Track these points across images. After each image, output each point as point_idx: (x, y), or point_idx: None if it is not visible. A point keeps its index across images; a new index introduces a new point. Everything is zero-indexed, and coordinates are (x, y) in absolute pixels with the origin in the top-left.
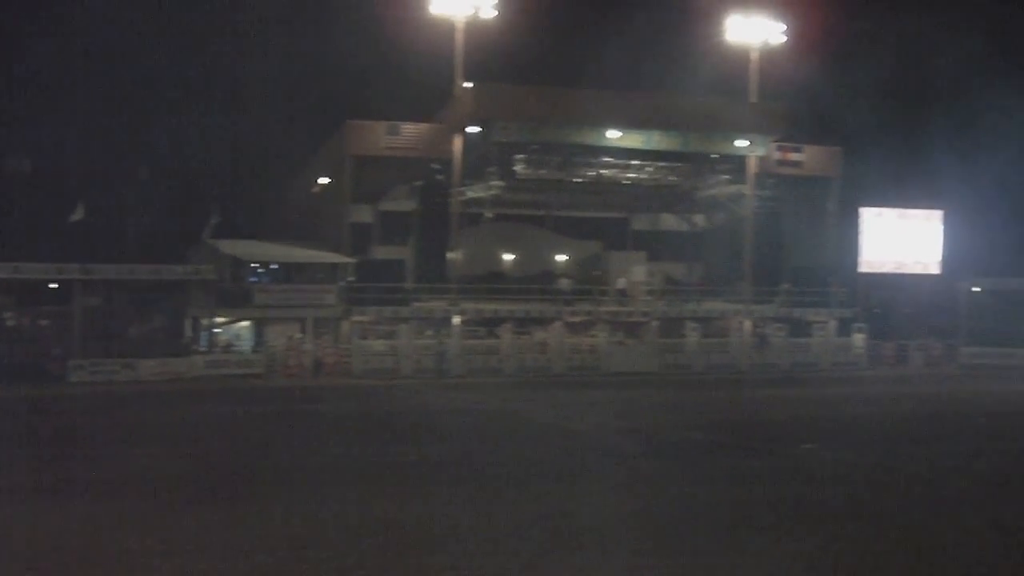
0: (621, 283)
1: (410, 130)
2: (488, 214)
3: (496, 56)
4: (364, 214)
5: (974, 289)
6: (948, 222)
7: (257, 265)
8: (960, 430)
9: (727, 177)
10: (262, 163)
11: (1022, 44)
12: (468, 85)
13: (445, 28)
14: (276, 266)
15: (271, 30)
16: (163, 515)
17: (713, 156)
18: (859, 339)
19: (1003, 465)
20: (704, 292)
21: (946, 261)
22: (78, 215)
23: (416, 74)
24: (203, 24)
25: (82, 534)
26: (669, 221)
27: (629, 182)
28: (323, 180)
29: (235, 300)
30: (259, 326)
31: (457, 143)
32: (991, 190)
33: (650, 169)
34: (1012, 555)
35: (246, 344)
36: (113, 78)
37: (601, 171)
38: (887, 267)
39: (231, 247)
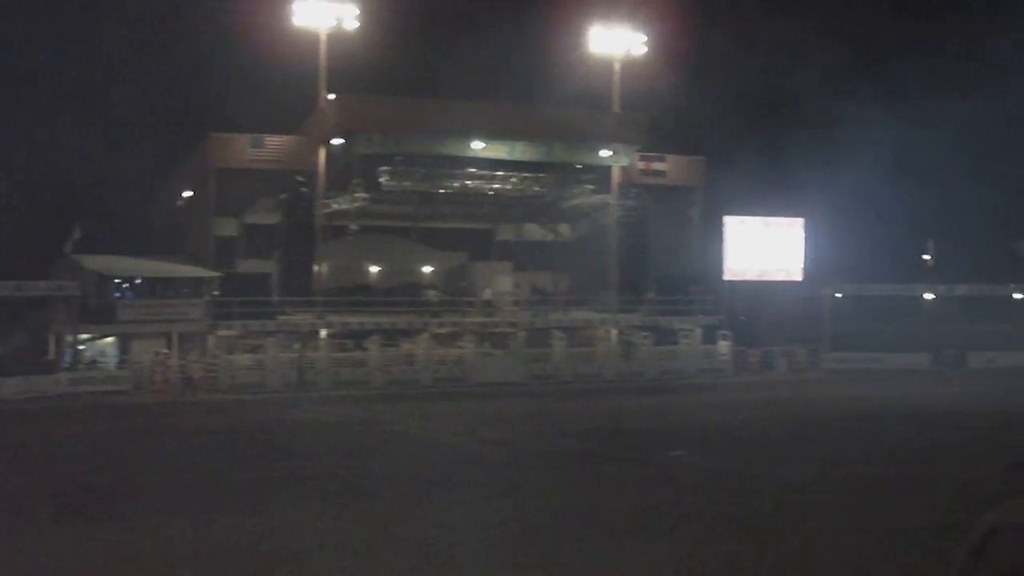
0: (487, 294)
1: (274, 142)
2: (353, 226)
3: (360, 68)
4: (229, 227)
5: (836, 295)
6: (809, 230)
7: (121, 280)
8: (825, 435)
9: (591, 187)
10: (126, 177)
11: (878, 55)
12: (331, 97)
13: (309, 40)
14: (140, 281)
15: (135, 42)
16: (24, 536)
17: (577, 166)
18: (724, 346)
19: (866, 469)
20: (570, 302)
21: (808, 268)
22: None
23: (280, 86)
24: (65, 35)
25: None
26: (534, 231)
27: (494, 193)
28: (187, 193)
29: (99, 316)
30: (124, 342)
31: (321, 155)
32: (850, 198)
33: (514, 179)
34: (875, 558)
35: (111, 360)
36: None
37: (466, 182)
38: (751, 274)
39: (94, 262)
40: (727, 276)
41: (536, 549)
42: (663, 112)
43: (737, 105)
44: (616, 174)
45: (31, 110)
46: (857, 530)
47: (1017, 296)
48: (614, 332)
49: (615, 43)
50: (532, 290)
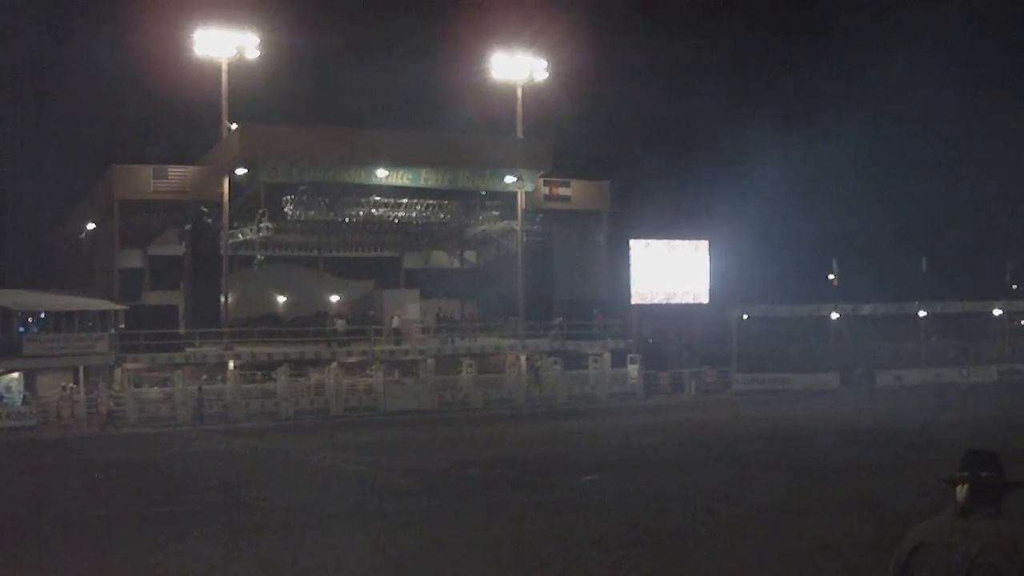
0: (395, 322)
1: (177, 173)
2: (260, 256)
3: (262, 97)
4: (134, 259)
5: (743, 316)
6: (715, 252)
7: (26, 314)
8: (736, 456)
9: (496, 213)
10: (28, 210)
11: (780, 77)
12: (234, 126)
13: (210, 70)
14: (45, 315)
15: (36, 72)
16: None
17: (482, 192)
18: (634, 370)
19: (778, 489)
20: (478, 328)
21: (715, 290)
22: None
23: (183, 116)
24: None
25: None
26: (441, 258)
27: (399, 220)
28: (91, 226)
29: (4, 351)
30: (30, 377)
31: (225, 185)
32: (755, 219)
33: (420, 207)
34: None
35: (17, 396)
36: None
37: (371, 210)
38: (658, 297)
39: None
40: (635, 299)
41: None
42: (566, 137)
43: (640, 129)
44: (521, 199)
45: None
46: (769, 548)
47: (922, 314)
48: (523, 358)
49: (517, 69)
50: (440, 317)
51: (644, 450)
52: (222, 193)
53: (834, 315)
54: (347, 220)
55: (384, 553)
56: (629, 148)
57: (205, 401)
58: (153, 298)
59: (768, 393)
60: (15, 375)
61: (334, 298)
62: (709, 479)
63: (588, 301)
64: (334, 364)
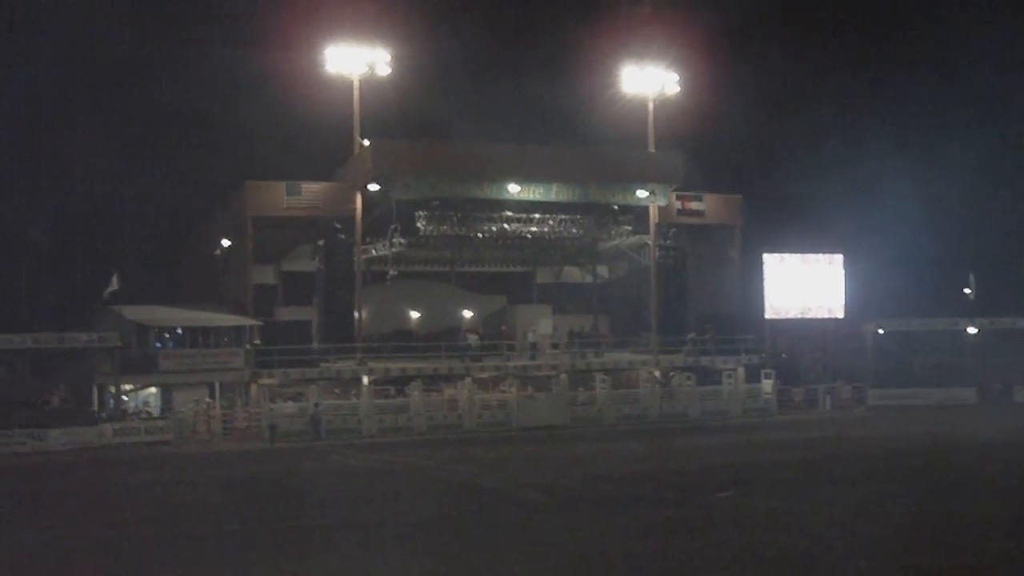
0: (531, 337)
1: (310, 189)
2: (392, 272)
3: (394, 113)
4: (267, 275)
5: (879, 331)
6: (849, 266)
7: (162, 330)
8: (872, 473)
9: (629, 228)
10: (163, 226)
11: (918, 88)
12: (366, 143)
13: (342, 86)
14: (181, 331)
15: (171, 91)
16: None
17: (614, 207)
18: (768, 385)
19: (915, 506)
20: (611, 344)
21: (849, 304)
22: None
23: (315, 133)
24: (103, 86)
25: None
26: (573, 273)
27: (532, 235)
28: (225, 242)
29: (141, 366)
30: (166, 392)
31: (358, 201)
32: (888, 233)
33: (552, 222)
34: None
35: (154, 411)
36: (9, 141)
37: (503, 225)
38: (792, 312)
39: (135, 312)
40: (769, 314)
41: None
42: (698, 151)
43: (773, 143)
44: (654, 214)
45: (67, 160)
46: (907, 568)
47: None
48: (656, 373)
49: (648, 83)
50: (572, 333)
51: (778, 466)
52: (355, 209)
53: (971, 329)
54: (479, 235)
55: (520, 569)
56: (762, 162)
57: (318, 418)
58: (286, 314)
59: (904, 409)
60: (152, 390)
61: (466, 313)
62: (845, 496)
63: (720, 316)
64: (467, 379)
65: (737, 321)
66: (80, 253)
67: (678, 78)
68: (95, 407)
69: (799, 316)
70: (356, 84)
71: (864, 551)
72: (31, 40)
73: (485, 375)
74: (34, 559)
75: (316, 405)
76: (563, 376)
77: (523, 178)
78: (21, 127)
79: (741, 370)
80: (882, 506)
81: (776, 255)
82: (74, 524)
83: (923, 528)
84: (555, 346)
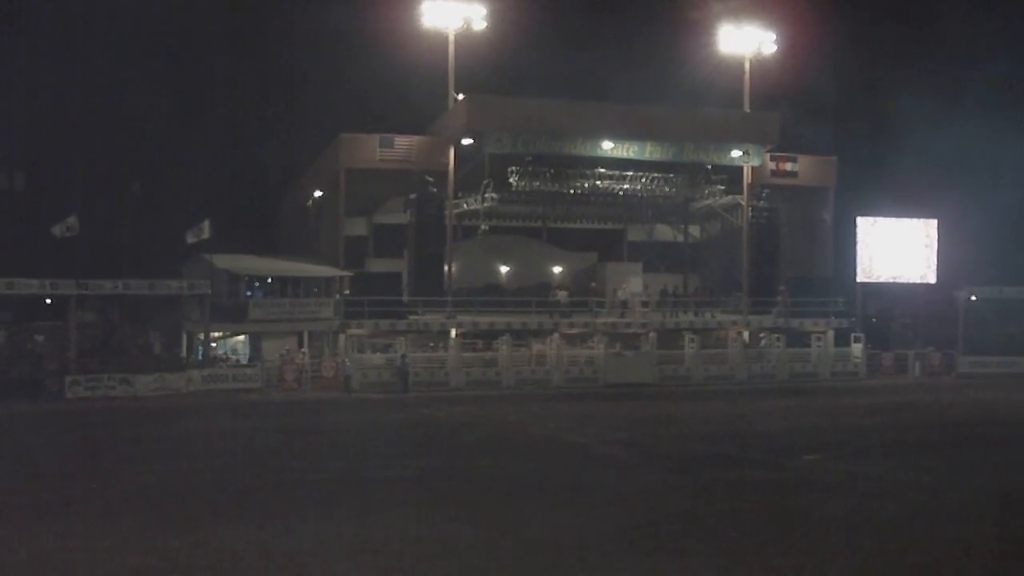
0: (622, 294)
1: (403, 143)
2: (483, 226)
3: (488, 68)
4: (359, 227)
5: (971, 297)
6: (943, 230)
7: (252, 279)
8: (962, 440)
9: (722, 187)
10: (256, 176)
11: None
12: (460, 97)
13: (437, 40)
14: (271, 280)
15: (264, 45)
16: (164, 533)
17: (708, 166)
18: (857, 349)
19: (1006, 475)
20: (701, 303)
21: (942, 270)
22: (71, 229)
23: (409, 87)
24: (197, 38)
25: (82, 553)
26: (664, 232)
27: (624, 193)
28: (317, 193)
29: (230, 314)
30: (255, 340)
31: (451, 155)
32: (985, 198)
33: (645, 180)
34: (1017, 566)
35: (242, 358)
36: (105, 91)
37: (596, 182)
38: (884, 276)
39: (226, 261)
40: (860, 277)
41: (669, 556)
42: (794, 111)
43: (869, 105)
44: (747, 174)
45: (165, 112)
46: (998, 537)
47: None
48: (745, 334)
49: (745, 42)
50: (664, 291)
51: (867, 431)
52: (447, 163)
53: None
54: (571, 192)
55: (606, 525)
56: (857, 123)
57: (408, 370)
58: (377, 266)
59: (994, 376)
60: (241, 338)
61: (556, 269)
62: (933, 462)
63: (812, 278)
64: (556, 335)
65: (828, 283)
66: (174, 202)
67: (775, 37)
68: (183, 353)
69: (891, 280)
70: (451, 38)
71: (956, 517)
72: None
73: (573, 331)
74: (126, 503)
75: (403, 357)
76: (652, 334)
77: (617, 135)
78: (118, 77)
79: (830, 333)
80: (972, 473)
81: (869, 218)
82: (166, 469)
83: (1015, 496)
84: (644, 304)
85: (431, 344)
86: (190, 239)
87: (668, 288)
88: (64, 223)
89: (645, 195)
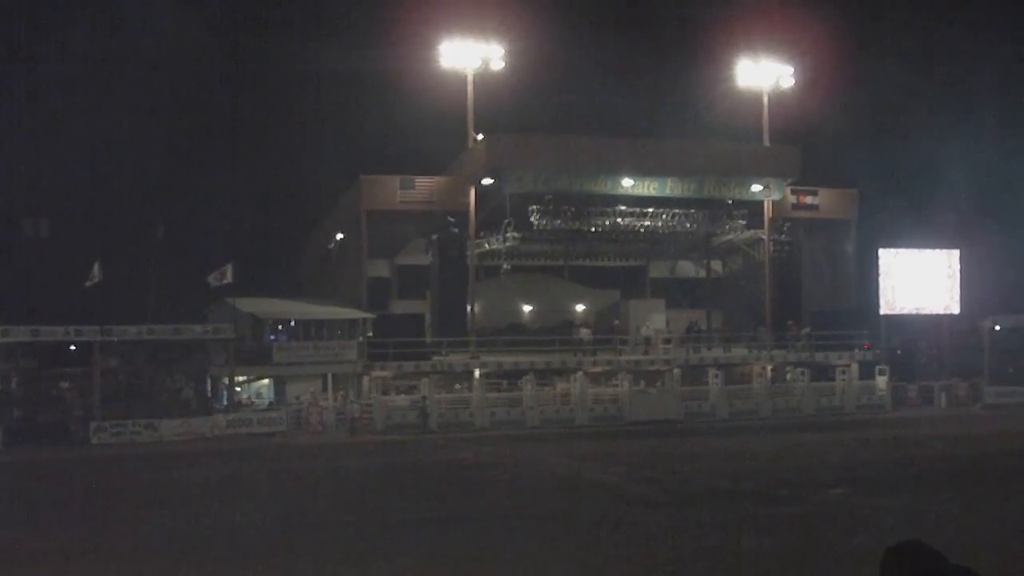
0: (645, 331)
1: (424, 183)
2: (505, 266)
3: (507, 108)
4: (381, 269)
5: (996, 328)
6: (965, 261)
7: (276, 322)
8: (990, 472)
9: (743, 222)
10: (278, 220)
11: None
12: (480, 137)
13: (456, 81)
14: (294, 323)
15: (285, 87)
16: None
17: (729, 201)
18: (883, 381)
19: None
20: (724, 339)
21: (966, 300)
22: (95, 278)
23: (429, 127)
24: (219, 82)
25: None
26: (687, 268)
27: (645, 230)
28: (339, 236)
29: (255, 358)
30: (279, 383)
31: (471, 195)
32: (1007, 228)
33: (665, 216)
34: None
35: (267, 402)
36: (127, 138)
37: (617, 219)
38: (908, 307)
39: (249, 305)
40: (883, 310)
41: None
42: (814, 145)
43: (889, 137)
44: (768, 208)
45: (187, 157)
46: None
47: None
48: (769, 369)
49: (763, 76)
50: (691, 328)
51: (894, 464)
52: (468, 203)
53: None
54: (593, 229)
55: (633, 564)
56: (878, 155)
57: (426, 411)
58: (400, 307)
59: (1022, 407)
60: (265, 381)
61: (579, 307)
62: (961, 494)
63: (835, 311)
64: (580, 373)
65: (852, 316)
66: (197, 246)
67: (793, 70)
68: (208, 398)
69: (914, 312)
70: (470, 79)
71: (985, 550)
72: (154, 38)
73: (597, 369)
74: (148, 550)
75: (423, 398)
76: (675, 370)
77: (637, 172)
78: (140, 123)
79: (855, 366)
80: (1001, 505)
81: (891, 250)
82: (193, 514)
83: None
84: (667, 341)
85: (457, 385)
86: (213, 283)
87: (695, 324)
88: (90, 275)
89: (666, 231)
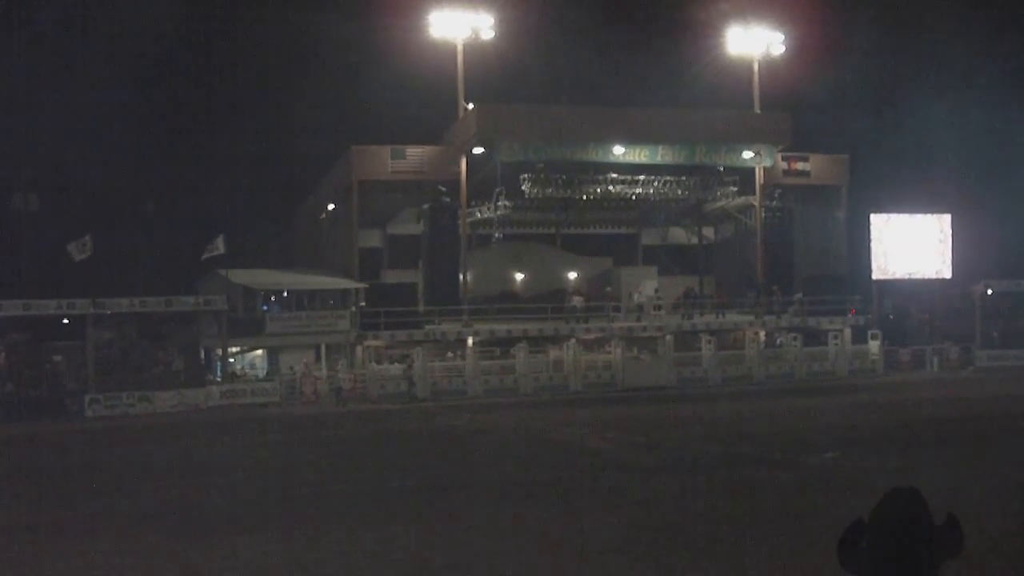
0: (638, 297)
1: (415, 153)
2: (497, 234)
3: (497, 77)
4: (373, 239)
5: (988, 291)
6: (957, 225)
7: (268, 293)
8: (982, 434)
9: (734, 189)
10: (269, 191)
11: (1005, 54)
12: (471, 106)
13: (446, 51)
14: (287, 294)
15: (275, 58)
16: (190, 547)
17: (720, 168)
18: (875, 346)
19: None
20: (716, 305)
21: (958, 264)
22: (86, 251)
23: (419, 97)
24: (207, 53)
25: (110, 569)
26: (678, 235)
27: (637, 197)
28: (330, 206)
29: (247, 329)
30: (273, 354)
31: (463, 165)
32: (998, 192)
33: (657, 183)
34: None
35: (260, 373)
36: (117, 110)
37: (608, 187)
38: (899, 272)
39: (241, 276)
40: (876, 275)
41: (688, 557)
42: (804, 111)
43: (879, 102)
44: (759, 175)
45: (177, 129)
46: (1019, 531)
47: None
48: (762, 334)
49: (753, 43)
50: (686, 294)
51: (886, 427)
52: (459, 172)
53: None
54: (584, 197)
55: (628, 529)
56: (868, 121)
57: (412, 380)
58: (392, 277)
59: (1013, 370)
60: (258, 352)
61: (571, 275)
62: (953, 457)
63: (827, 276)
64: (572, 341)
65: (844, 281)
66: (187, 218)
67: (783, 37)
68: (203, 369)
69: (906, 276)
70: (460, 48)
71: (978, 512)
72: (145, 9)
73: (590, 336)
74: (150, 519)
75: (409, 367)
76: (668, 337)
77: (628, 140)
78: (129, 96)
79: (847, 331)
80: (993, 467)
81: (883, 215)
82: (188, 484)
83: None
84: (658, 307)
85: (449, 354)
86: (204, 255)
87: (691, 290)
88: (79, 243)
89: (658, 199)
